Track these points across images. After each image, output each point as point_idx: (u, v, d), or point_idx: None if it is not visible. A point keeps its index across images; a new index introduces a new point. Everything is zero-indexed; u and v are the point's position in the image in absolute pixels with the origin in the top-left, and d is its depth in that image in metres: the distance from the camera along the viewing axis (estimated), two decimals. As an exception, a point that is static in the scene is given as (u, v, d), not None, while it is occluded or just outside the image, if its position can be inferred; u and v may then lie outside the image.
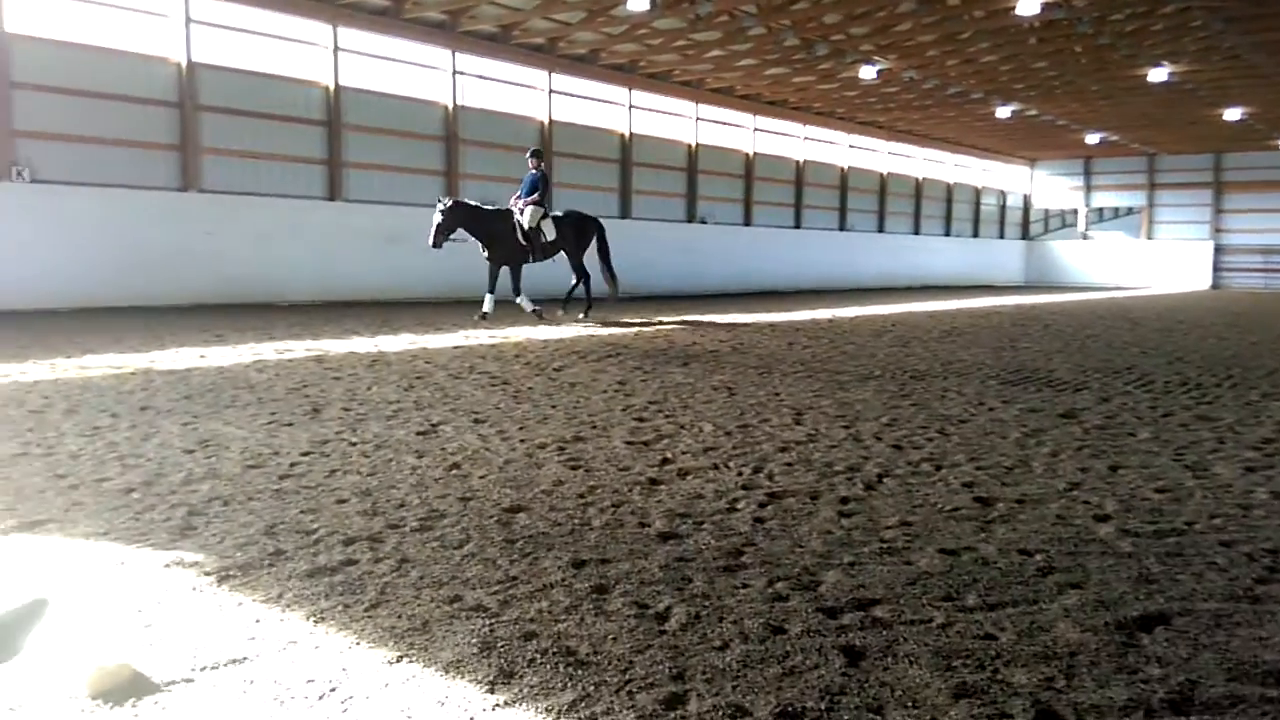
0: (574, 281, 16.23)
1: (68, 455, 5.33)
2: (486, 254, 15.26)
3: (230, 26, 18.31)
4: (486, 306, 15.32)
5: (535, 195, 15.41)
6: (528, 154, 15.86)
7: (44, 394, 7.39)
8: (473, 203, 15.43)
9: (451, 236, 14.81)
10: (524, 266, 15.52)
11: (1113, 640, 3.02)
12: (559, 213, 16.17)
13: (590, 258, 16.30)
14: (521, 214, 15.24)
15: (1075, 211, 46.25)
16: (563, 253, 15.90)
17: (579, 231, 16.12)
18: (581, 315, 16.20)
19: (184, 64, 17.58)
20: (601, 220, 16.63)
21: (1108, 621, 3.17)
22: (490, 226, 15.13)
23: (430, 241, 14.69)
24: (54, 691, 2.58)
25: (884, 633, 3.05)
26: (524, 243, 15.25)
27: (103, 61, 16.63)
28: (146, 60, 17.23)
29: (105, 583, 3.37)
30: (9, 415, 6.46)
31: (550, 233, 15.53)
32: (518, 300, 15.45)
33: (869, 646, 2.94)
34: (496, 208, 15.56)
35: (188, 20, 17.56)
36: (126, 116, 16.97)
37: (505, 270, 15.37)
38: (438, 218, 14.58)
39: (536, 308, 15.49)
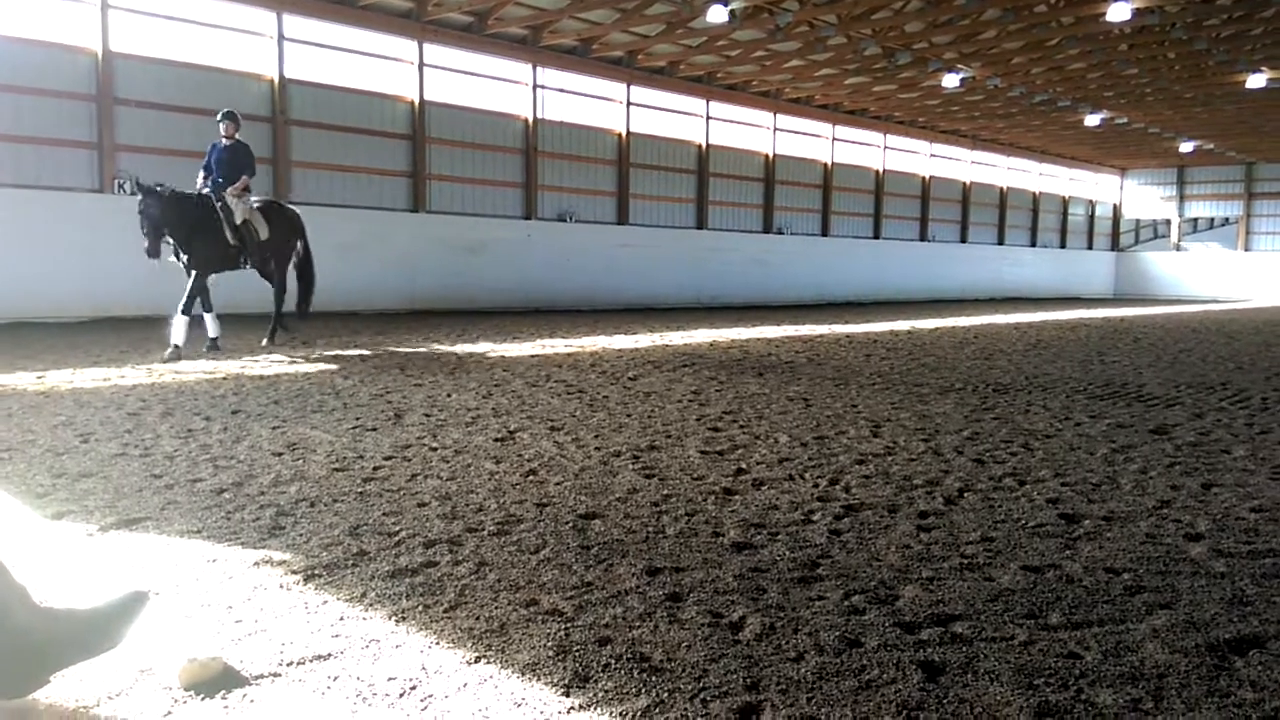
0: (279, 293, 12.30)
1: (163, 456, 5.54)
2: (185, 259, 10.82)
3: (320, 44, 18.88)
4: (178, 337, 10.56)
5: (244, 180, 11.23)
6: (218, 116, 11.44)
7: (141, 397, 7.70)
8: (164, 189, 10.62)
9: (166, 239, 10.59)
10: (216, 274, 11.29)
11: (1204, 662, 2.92)
12: (256, 201, 11.82)
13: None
14: (226, 203, 11.09)
15: (1168, 222, 44.77)
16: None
17: (289, 229, 12.12)
18: (265, 341, 12.04)
19: (276, 80, 18.18)
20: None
21: (1199, 643, 3.07)
22: (191, 221, 10.76)
23: (146, 249, 10.40)
24: (150, 682, 2.69)
25: (964, 649, 3.00)
26: (233, 243, 11.13)
27: (199, 78, 17.27)
28: (241, 76, 17.86)
29: (198, 579, 3.50)
30: (109, 417, 6.75)
31: (263, 229, 11.48)
32: (178, 316, 10.63)
33: (948, 662, 2.90)
34: (190, 194, 11.08)
35: (280, 38, 18.15)
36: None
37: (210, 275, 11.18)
38: (142, 209, 10.41)
39: (178, 346, 10.51)
